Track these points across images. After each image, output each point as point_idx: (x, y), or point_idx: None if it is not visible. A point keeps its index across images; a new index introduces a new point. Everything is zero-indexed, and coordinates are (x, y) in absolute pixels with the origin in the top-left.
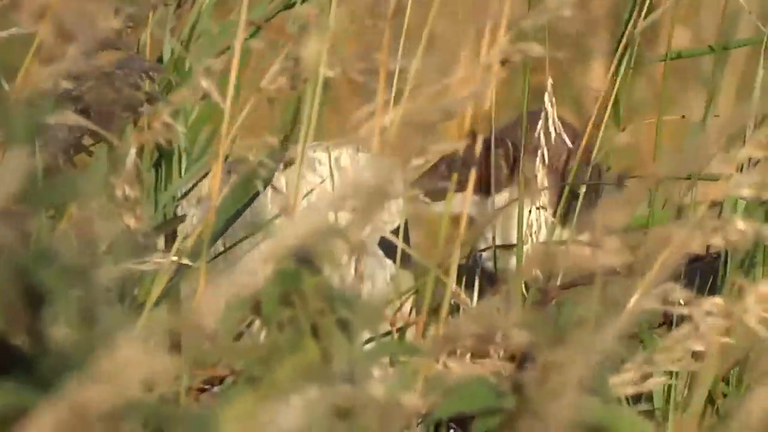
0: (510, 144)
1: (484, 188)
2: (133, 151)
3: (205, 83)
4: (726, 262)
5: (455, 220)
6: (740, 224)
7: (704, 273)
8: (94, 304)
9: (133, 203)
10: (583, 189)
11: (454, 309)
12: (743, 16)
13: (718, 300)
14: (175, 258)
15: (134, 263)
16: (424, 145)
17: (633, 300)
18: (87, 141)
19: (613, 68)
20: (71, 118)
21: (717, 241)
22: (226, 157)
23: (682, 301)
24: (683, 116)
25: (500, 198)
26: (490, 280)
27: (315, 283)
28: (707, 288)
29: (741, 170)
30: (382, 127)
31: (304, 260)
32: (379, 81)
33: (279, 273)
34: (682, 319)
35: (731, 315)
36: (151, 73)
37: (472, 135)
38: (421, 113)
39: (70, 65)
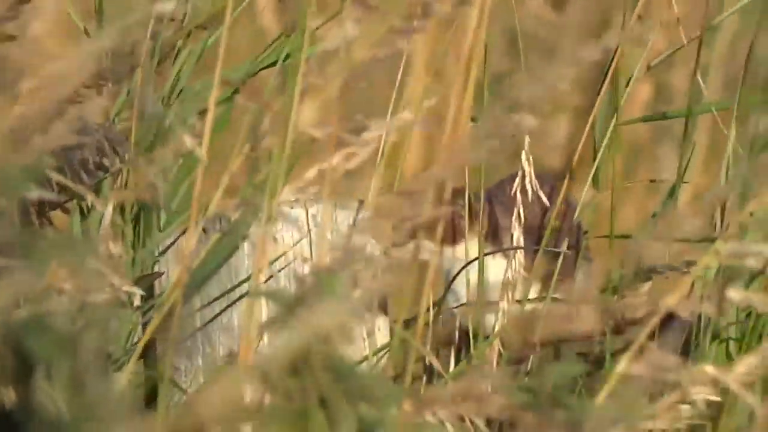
0: (472, 196)
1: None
2: (110, 208)
3: (188, 141)
4: (701, 325)
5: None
6: (731, 292)
7: (677, 334)
8: (83, 371)
9: (116, 260)
10: (563, 246)
11: (429, 370)
12: (711, 74)
13: (707, 368)
14: (132, 291)
15: (111, 319)
16: (410, 210)
17: (621, 365)
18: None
19: (587, 128)
20: (48, 176)
21: (705, 308)
22: (205, 213)
23: (668, 367)
24: (652, 180)
25: (460, 250)
26: (466, 337)
27: (324, 354)
28: (681, 348)
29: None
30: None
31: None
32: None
33: (288, 342)
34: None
35: (719, 383)
36: (116, 146)
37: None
38: (407, 181)
39: (45, 125)
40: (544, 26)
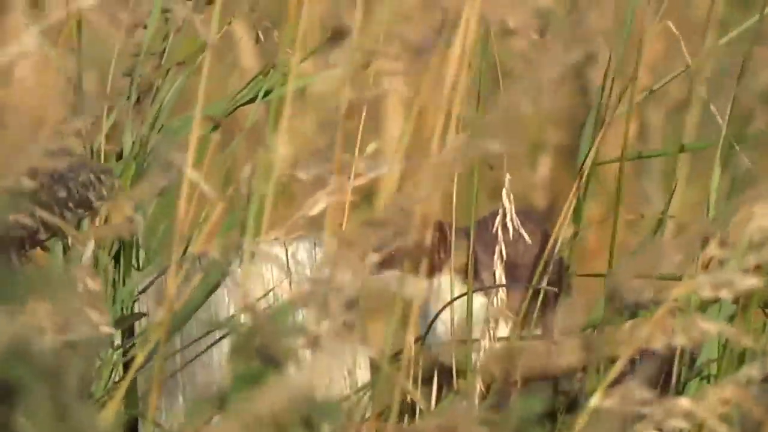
0: (447, 228)
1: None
2: (91, 245)
3: (165, 179)
4: (681, 359)
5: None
6: (703, 324)
7: (657, 370)
8: (64, 407)
9: (95, 297)
10: (543, 284)
11: (410, 407)
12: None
13: (681, 401)
14: (110, 332)
15: (90, 357)
16: (381, 241)
17: (594, 399)
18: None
19: (580, 160)
20: (27, 212)
21: (680, 341)
22: (184, 252)
23: (642, 400)
24: (642, 215)
25: (435, 282)
26: (447, 373)
27: (279, 382)
28: (660, 385)
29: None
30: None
31: (266, 357)
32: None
33: (244, 371)
34: (641, 417)
35: (693, 416)
36: (101, 175)
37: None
38: (378, 212)
39: (26, 164)
40: (526, 63)
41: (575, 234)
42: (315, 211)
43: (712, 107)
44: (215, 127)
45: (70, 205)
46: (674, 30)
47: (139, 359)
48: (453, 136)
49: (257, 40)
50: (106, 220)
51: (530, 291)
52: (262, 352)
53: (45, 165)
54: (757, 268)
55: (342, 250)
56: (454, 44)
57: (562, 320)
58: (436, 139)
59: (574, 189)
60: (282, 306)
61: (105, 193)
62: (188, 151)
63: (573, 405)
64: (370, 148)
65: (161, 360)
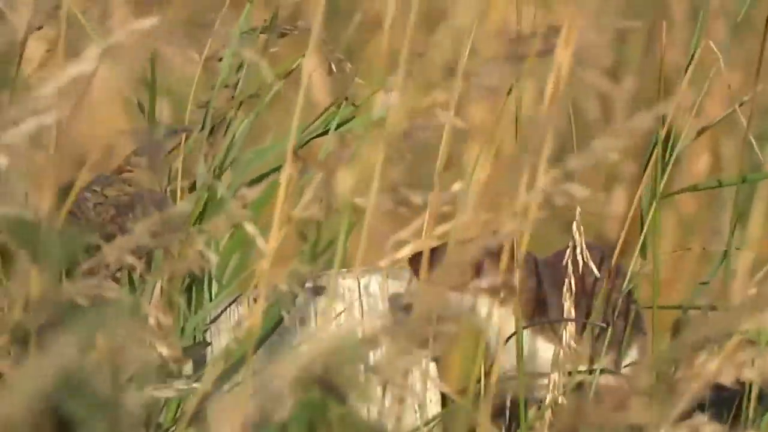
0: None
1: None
2: (164, 280)
3: (239, 214)
4: (751, 393)
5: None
6: None
7: (727, 404)
8: None
9: (165, 331)
10: (612, 318)
11: None
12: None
13: None
14: (197, 385)
15: (157, 389)
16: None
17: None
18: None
19: (637, 197)
20: (103, 246)
21: (750, 375)
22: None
23: None
24: (704, 248)
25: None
26: (516, 408)
27: (341, 413)
28: (730, 418)
29: None
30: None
31: (330, 388)
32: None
33: (306, 402)
34: None
35: None
36: (162, 208)
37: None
38: (461, 250)
39: (90, 195)
40: (600, 97)
41: (643, 267)
42: (401, 254)
43: None
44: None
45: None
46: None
47: (204, 388)
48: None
49: (330, 72)
50: (178, 254)
51: (593, 325)
52: (324, 383)
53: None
54: None
55: (425, 289)
56: (547, 85)
57: (633, 353)
58: (523, 181)
59: (647, 221)
60: (348, 337)
61: (169, 225)
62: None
63: None
64: (456, 186)
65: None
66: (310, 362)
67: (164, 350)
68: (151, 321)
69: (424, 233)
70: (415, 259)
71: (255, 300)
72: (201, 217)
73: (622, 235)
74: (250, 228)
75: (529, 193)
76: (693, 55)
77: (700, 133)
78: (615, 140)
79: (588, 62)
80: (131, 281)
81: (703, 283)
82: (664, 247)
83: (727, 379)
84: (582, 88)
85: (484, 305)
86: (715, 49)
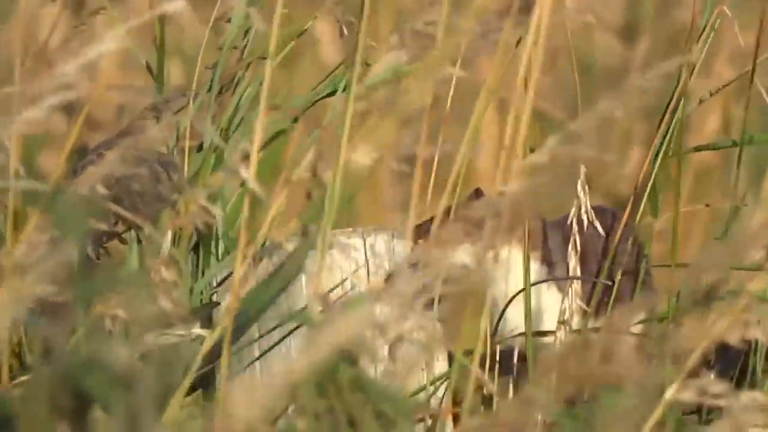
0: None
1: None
2: (169, 235)
3: (243, 171)
4: (757, 352)
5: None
6: None
7: (733, 362)
8: (140, 408)
9: (170, 286)
10: (618, 276)
11: (486, 397)
12: None
13: (757, 394)
14: (198, 332)
15: (161, 335)
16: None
17: (670, 391)
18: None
19: (650, 156)
20: (109, 207)
21: (756, 334)
22: (263, 243)
23: (718, 394)
24: (707, 205)
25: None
26: (524, 366)
27: (352, 374)
28: (735, 377)
29: None
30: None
31: (340, 351)
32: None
33: (318, 366)
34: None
35: None
36: (169, 168)
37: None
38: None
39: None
40: (614, 58)
41: (651, 224)
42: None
43: None
44: (294, 120)
45: (145, 198)
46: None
47: (206, 346)
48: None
49: (341, 34)
50: (185, 210)
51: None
52: (333, 346)
53: (115, 160)
54: None
55: (429, 247)
56: (528, 33)
57: (641, 311)
58: (521, 139)
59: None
60: (358, 298)
61: (175, 185)
62: (254, 143)
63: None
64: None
65: (228, 348)
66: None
67: (168, 305)
68: (155, 277)
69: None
70: (417, 230)
71: (259, 259)
72: (208, 179)
73: (632, 194)
74: (251, 181)
75: (536, 152)
76: (708, 20)
77: (713, 93)
78: (622, 99)
79: (599, 23)
80: (139, 241)
81: (716, 239)
82: (677, 204)
83: (733, 338)
84: (594, 48)
85: (510, 255)
86: (728, 12)
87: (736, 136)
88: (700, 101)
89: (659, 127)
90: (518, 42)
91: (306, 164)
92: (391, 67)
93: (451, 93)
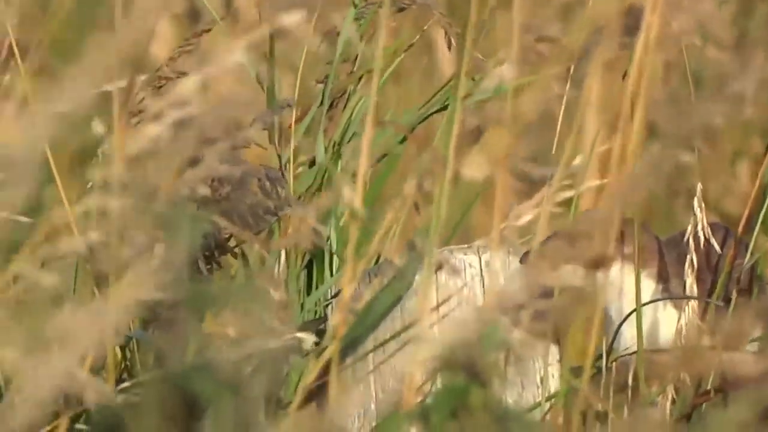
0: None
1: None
2: (282, 255)
3: (348, 192)
4: None
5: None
6: None
7: None
8: (249, 416)
9: (282, 306)
10: (734, 295)
11: (602, 416)
12: None
13: None
14: (304, 337)
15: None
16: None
17: None
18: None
19: (762, 172)
20: (219, 222)
21: None
22: (377, 260)
23: None
24: None
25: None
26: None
27: (484, 398)
28: None
29: None
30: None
31: (470, 371)
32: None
33: (449, 386)
34: None
35: None
36: (276, 183)
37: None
38: (575, 223)
39: (210, 171)
40: (726, 72)
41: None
42: (521, 222)
43: None
44: (403, 138)
45: (254, 212)
46: None
47: (318, 364)
48: (641, 143)
49: (449, 46)
50: (293, 229)
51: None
52: (466, 368)
53: (220, 172)
54: None
55: (537, 262)
56: (636, 49)
57: (757, 329)
58: (631, 150)
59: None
60: (489, 320)
61: (282, 201)
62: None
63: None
64: (577, 160)
65: (338, 364)
66: (450, 348)
67: (280, 326)
68: (269, 297)
69: (544, 202)
70: (525, 257)
71: (375, 275)
72: (319, 194)
73: (746, 211)
74: (356, 202)
75: (640, 163)
76: None
77: None
78: (721, 104)
79: (708, 35)
80: (245, 257)
81: None
82: None
83: None
84: (707, 63)
85: (623, 272)
86: None
87: None
88: None
89: None
90: (629, 58)
91: (414, 181)
92: (499, 83)
93: (562, 110)
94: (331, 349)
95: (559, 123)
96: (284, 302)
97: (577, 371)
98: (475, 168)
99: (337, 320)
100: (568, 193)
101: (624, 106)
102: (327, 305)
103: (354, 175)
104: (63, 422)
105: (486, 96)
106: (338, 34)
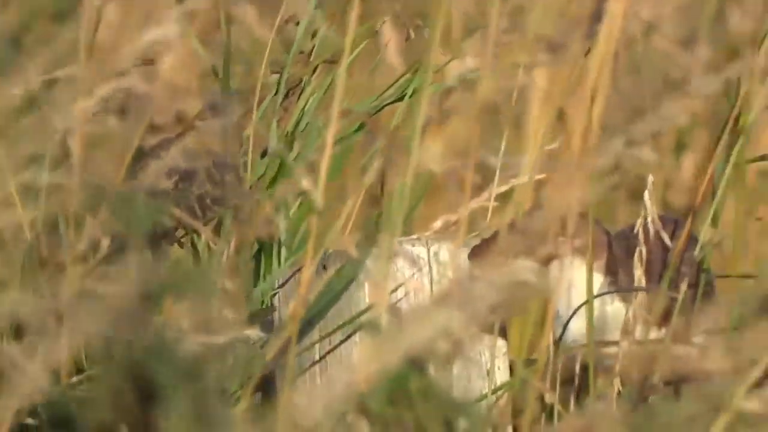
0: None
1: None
2: (232, 246)
3: (305, 181)
4: None
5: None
6: None
7: None
8: (205, 402)
9: (232, 295)
10: (682, 288)
11: (549, 409)
12: None
13: None
14: (249, 333)
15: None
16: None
17: (736, 402)
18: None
19: (712, 165)
20: (174, 212)
21: None
22: (325, 251)
23: None
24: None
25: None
26: (586, 375)
27: (423, 384)
28: None
29: None
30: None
31: (410, 360)
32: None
33: (387, 373)
34: None
35: None
36: (226, 172)
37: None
38: (527, 220)
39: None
40: (671, 63)
41: (713, 235)
42: (460, 215)
43: None
44: (360, 126)
45: (204, 202)
46: None
47: (270, 353)
48: (594, 136)
49: (408, 38)
50: (247, 220)
51: (663, 293)
52: (403, 354)
53: (182, 165)
54: None
55: (486, 255)
56: (598, 41)
57: (704, 322)
58: (577, 142)
59: (719, 191)
60: (427, 307)
61: (236, 191)
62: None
63: (715, 408)
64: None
65: (293, 353)
66: (390, 334)
67: (231, 315)
68: (218, 286)
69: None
70: (474, 252)
71: (324, 267)
72: (272, 184)
73: (693, 203)
74: (314, 194)
75: (599, 158)
76: None
77: None
78: (683, 103)
79: (659, 30)
80: (194, 247)
81: None
82: (732, 216)
83: None
84: (655, 55)
85: (573, 266)
86: None
87: None
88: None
89: (721, 135)
90: (587, 52)
91: (374, 171)
92: (460, 74)
93: (514, 102)
94: (290, 330)
95: (510, 114)
96: (236, 292)
97: (527, 364)
98: (431, 159)
99: (292, 310)
100: (507, 187)
101: (580, 100)
102: (274, 295)
103: (310, 165)
104: (8, 416)
105: (448, 86)
106: (297, 24)
